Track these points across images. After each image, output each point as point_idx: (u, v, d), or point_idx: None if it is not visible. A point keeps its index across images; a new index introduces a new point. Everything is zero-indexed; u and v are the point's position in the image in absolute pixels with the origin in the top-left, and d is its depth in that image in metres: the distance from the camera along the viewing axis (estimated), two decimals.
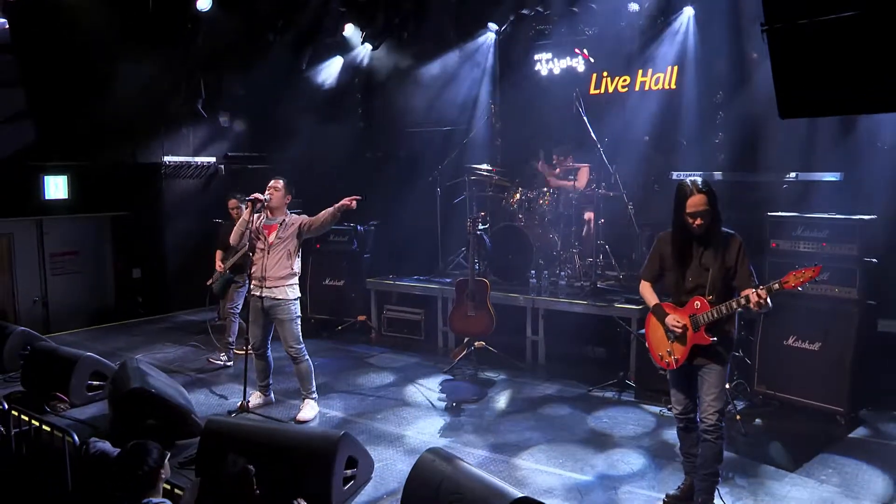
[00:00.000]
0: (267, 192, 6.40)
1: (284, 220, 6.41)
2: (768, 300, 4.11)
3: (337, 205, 6.21)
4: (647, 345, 4.83)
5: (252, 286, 6.44)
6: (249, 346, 6.55)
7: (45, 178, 9.75)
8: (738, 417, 6.00)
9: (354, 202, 6.18)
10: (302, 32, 10.41)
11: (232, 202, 8.17)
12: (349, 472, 4.99)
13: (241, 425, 5.29)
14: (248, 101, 10.90)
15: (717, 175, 8.11)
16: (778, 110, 3.28)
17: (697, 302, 4.40)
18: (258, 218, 6.40)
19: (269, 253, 6.31)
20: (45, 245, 9.95)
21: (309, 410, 6.42)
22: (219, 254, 8.25)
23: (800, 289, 4.14)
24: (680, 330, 4.43)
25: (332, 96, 11.31)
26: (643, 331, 4.75)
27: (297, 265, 6.44)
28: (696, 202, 4.29)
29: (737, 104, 8.41)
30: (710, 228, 4.37)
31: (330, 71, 11.30)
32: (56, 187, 9.89)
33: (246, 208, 6.35)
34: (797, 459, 5.44)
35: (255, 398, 6.63)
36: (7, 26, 8.04)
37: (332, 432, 4.97)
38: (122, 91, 9.55)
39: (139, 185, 10.64)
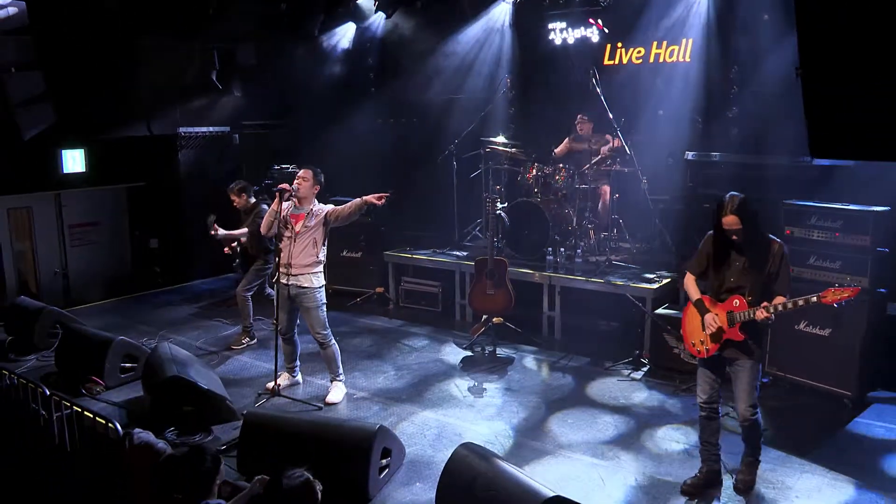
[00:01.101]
0: (295, 183, 6.50)
1: (312, 209, 6.53)
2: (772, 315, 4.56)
3: (364, 198, 6.33)
4: (681, 332, 5.17)
5: (279, 273, 6.60)
6: (277, 331, 6.77)
7: (63, 152, 9.82)
8: None
9: (383, 199, 6.30)
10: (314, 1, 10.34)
11: (232, 196, 8.20)
12: (384, 461, 5.26)
13: (280, 418, 5.52)
14: (261, 70, 10.85)
15: (730, 157, 8.16)
16: (809, 150, 3.40)
17: (737, 300, 4.73)
18: (286, 207, 6.51)
19: (295, 241, 6.45)
20: (63, 217, 10.11)
21: (337, 393, 6.67)
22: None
23: (836, 305, 4.53)
24: (715, 329, 4.77)
25: (344, 63, 11.30)
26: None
27: (322, 253, 6.57)
28: (728, 222, 4.64)
29: (752, 81, 8.44)
30: (748, 237, 4.67)
31: (342, 37, 11.26)
32: (74, 161, 9.99)
33: (277, 197, 6.43)
34: (807, 445, 5.69)
35: (282, 379, 6.86)
36: (24, 7, 7.99)
37: (368, 426, 5.21)
38: (137, 64, 9.59)
39: (155, 157, 10.73)
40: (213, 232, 7.95)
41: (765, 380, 6.30)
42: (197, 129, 10.87)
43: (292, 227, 6.50)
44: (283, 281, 6.52)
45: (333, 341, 6.70)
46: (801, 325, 6.53)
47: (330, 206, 6.61)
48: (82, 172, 10.14)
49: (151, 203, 10.89)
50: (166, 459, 4.89)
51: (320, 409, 6.44)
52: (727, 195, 4.70)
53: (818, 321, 6.43)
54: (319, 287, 6.56)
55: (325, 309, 6.62)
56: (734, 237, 4.68)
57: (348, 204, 6.48)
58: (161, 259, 11.05)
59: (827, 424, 6.06)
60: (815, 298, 4.50)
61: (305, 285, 6.47)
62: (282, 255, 6.49)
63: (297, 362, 7.03)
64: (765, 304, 4.59)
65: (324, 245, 6.59)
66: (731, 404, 5.20)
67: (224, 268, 10.67)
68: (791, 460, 5.48)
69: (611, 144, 8.72)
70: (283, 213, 6.46)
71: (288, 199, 6.46)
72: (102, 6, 8.67)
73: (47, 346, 7.78)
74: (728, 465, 5.21)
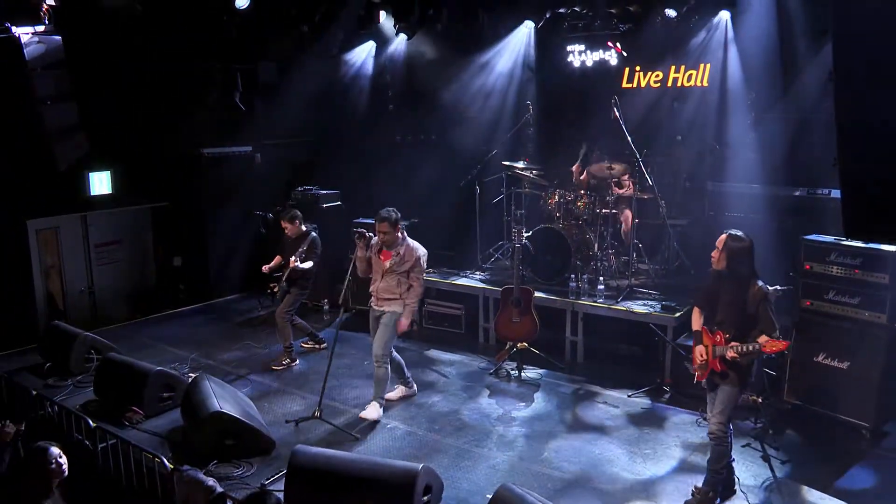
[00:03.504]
0: (377, 238, 6.95)
1: (400, 250, 6.92)
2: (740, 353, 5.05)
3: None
4: (691, 357, 5.57)
5: (371, 301, 7.11)
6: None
7: (91, 175, 10.00)
8: (770, 431, 6.47)
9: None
10: (336, 22, 10.47)
11: (285, 224, 8.42)
12: (426, 497, 5.47)
13: (326, 456, 5.72)
14: (282, 90, 11.02)
15: (751, 187, 8.34)
16: (843, 230, 3.58)
17: (719, 336, 5.21)
18: (372, 246, 7.00)
19: (382, 277, 6.95)
20: (89, 237, 10.29)
21: (373, 411, 7.00)
22: (278, 259, 8.52)
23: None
24: (701, 360, 5.29)
25: (365, 83, 11.46)
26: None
27: (404, 288, 7.00)
28: (714, 258, 5.28)
29: (770, 107, 8.62)
30: (732, 274, 5.18)
31: (363, 58, 11.42)
32: (101, 183, 10.17)
33: (358, 243, 6.96)
34: (826, 475, 5.90)
35: (398, 392, 7.44)
36: (59, 40, 8.18)
37: (412, 466, 5.40)
38: (161, 86, 9.74)
39: (179, 177, 10.91)
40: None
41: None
42: (220, 150, 11.02)
43: (381, 263, 6.94)
44: (373, 305, 7.08)
45: (388, 366, 7.06)
46: (820, 358, 6.73)
47: (421, 262, 7.00)
48: (109, 194, 10.33)
49: (175, 222, 11.07)
50: (217, 498, 5.13)
51: (357, 439, 6.65)
52: (727, 232, 5.23)
53: (837, 354, 6.63)
54: (398, 313, 6.98)
55: (395, 334, 7.03)
56: (721, 274, 5.20)
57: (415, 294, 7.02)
58: (184, 277, 11.24)
59: (845, 455, 6.26)
60: (758, 346, 4.96)
61: (388, 309, 6.99)
62: (371, 285, 7.06)
63: (408, 373, 7.51)
64: (733, 344, 5.07)
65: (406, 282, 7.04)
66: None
67: (245, 286, 10.92)
68: (811, 491, 5.68)
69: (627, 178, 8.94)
70: (370, 253, 7.00)
71: (368, 247, 6.97)
72: (126, 26, 8.82)
73: (83, 371, 8.01)
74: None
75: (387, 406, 7.24)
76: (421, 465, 5.36)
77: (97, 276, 10.43)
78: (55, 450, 4.63)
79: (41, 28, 7.88)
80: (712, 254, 5.31)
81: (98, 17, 8.90)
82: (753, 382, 5.40)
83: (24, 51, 7.85)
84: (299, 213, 8.52)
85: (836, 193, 7.62)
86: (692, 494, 5.48)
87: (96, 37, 9.05)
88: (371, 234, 7.02)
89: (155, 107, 9.82)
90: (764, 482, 5.82)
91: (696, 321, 5.48)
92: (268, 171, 11.43)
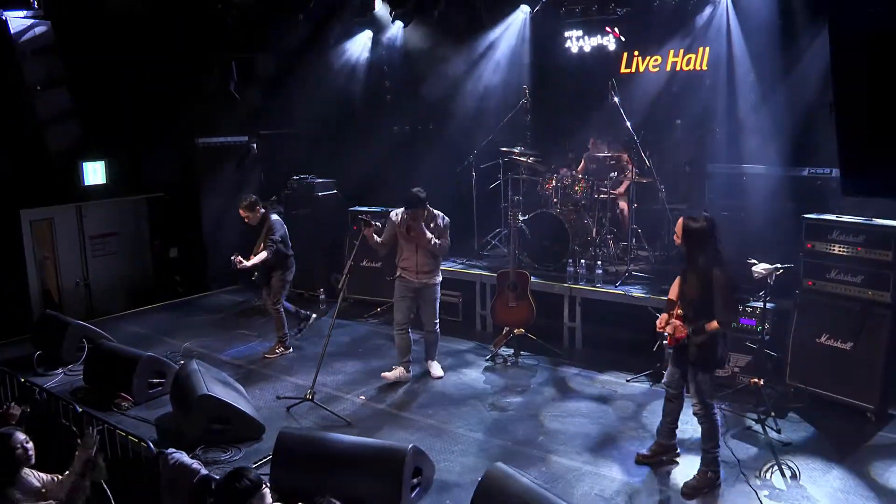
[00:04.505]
0: (412, 233, 7.17)
1: (437, 222, 7.23)
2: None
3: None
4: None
5: (400, 272, 7.34)
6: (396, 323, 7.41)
7: (84, 165, 9.92)
8: (772, 414, 6.32)
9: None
10: (331, 10, 10.39)
11: (243, 213, 8.13)
12: (415, 480, 5.34)
13: (313, 437, 5.60)
14: (278, 79, 10.93)
15: (753, 168, 8.19)
16: (840, 188, 3.43)
17: (677, 311, 5.29)
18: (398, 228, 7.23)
19: (417, 252, 7.21)
20: (84, 228, 10.20)
21: (438, 368, 7.66)
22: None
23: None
24: (661, 329, 5.36)
25: (362, 71, 11.36)
26: None
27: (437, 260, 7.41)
28: (676, 229, 5.31)
29: (770, 90, 8.47)
30: (690, 256, 5.22)
31: (360, 46, 11.32)
32: (95, 173, 10.09)
33: (366, 232, 7.12)
34: (830, 458, 5.73)
35: (396, 372, 7.44)
36: (49, 24, 8.09)
37: (400, 446, 5.28)
38: (156, 75, 9.66)
39: (174, 167, 10.81)
40: (239, 266, 7.88)
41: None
42: (215, 139, 10.93)
43: (420, 239, 7.13)
44: (409, 278, 7.29)
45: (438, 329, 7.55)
46: (822, 339, 6.57)
47: (446, 219, 7.33)
48: (103, 184, 10.24)
49: (171, 213, 10.98)
50: (201, 480, 5.01)
51: (349, 424, 6.52)
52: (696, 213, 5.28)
53: (840, 335, 6.47)
54: (438, 283, 7.43)
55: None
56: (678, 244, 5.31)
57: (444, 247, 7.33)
58: (181, 268, 11.14)
59: (850, 438, 6.08)
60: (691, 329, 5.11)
61: (428, 282, 7.33)
62: (404, 261, 7.29)
63: (411, 357, 7.51)
64: (675, 322, 5.18)
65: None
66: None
67: (242, 277, 10.78)
68: (814, 474, 5.53)
69: (627, 162, 8.81)
70: (386, 237, 7.27)
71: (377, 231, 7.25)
72: (120, 15, 8.73)
73: (74, 360, 7.88)
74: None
75: (379, 389, 7.19)
76: (410, 445, 5.24)
77: (92, 268, 10.35)
78: (20, 435, 4.48)
79: (31, 13, 7.79)
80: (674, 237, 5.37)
81: (93, 4, 8.82)
82: (720, 359, 5.34)
83: (12, 34, 7.75)
84: (256, 197, 8.23)
85: (837, 173, 7.46)
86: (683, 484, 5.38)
87: (91, 25, 8.96)
88: (376, 222, 7.26)
89: (150, 96, 9.72)
90: (766, 465, 5.64)
91: (673, 290, 5.52)
92: (264, 162, 11.33)
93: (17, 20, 7.97)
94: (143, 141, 10.14)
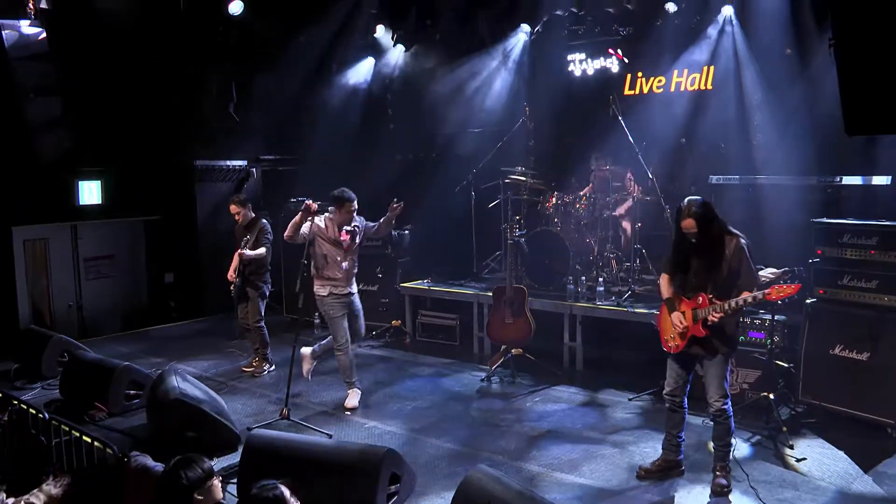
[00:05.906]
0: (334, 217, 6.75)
1: (357, 224, 6.85)
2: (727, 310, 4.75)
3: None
4: (657, 328, 5.30)
5: (331, 287, 6.72)
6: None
7: (80, 183, 9.82)
8: (784, 429, 5.89)
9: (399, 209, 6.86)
10: (333, 34, 10.39)
11: (234, 207, 8.09)
12: (392, 487, 4.95)
13: (284, 440, 5.25)
14: (279, 103, 10.89)
15: (759, 178, 7.91)
16: (844, 126, 3.17)
17: (700, 297, 4.89)
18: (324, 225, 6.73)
19: (347, 257, 6.76)
20: (79, 250, 10.03)
21: (354, 398, 6.92)
22: (235, 257, 8.10)
23: (780, 302, 4.94)
24: (681, 328, 4.97)
25: (362, 96, 11.29)
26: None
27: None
28: (686, 225, 4.85)
29: (776, 108, 8.25)
30: (706, 240, 4.85)
31: (361, 72, 11.28)
32: (90, 192, 9.98)
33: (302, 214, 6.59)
34: (848, 477, 5.30)
35: (355, 397, 6.94)
36: (45, 35, 8.09)
37: (375, 448, 4.93)
38: (154, 95, 9.63)
39: (171, 189, 10.71)
40: (241, 257, 7.81)
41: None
42: (213, 162, 10.83)
43: (348, 243, 6.73)
44: (345, 290, 6.74)
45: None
46: (837, 350, 6.17)
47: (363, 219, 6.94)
48: (99, 204, 10.11)
49: (168, 236, 10.80)
50: (160, 478, 4.67)
51: (330, 437, 6.15)
52: (685, 199, 4.90)
53: (855, 345, 6.06)
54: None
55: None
56: (692, 239, 4.87)
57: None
58: (176, 293, 10.91)
59: (869, 455, 5.61)
60: (760, 295, 4.67)
61: (355, 290, 6.95)
62: (334, 272, 6.66)
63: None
64: (717, 303, 4.78)
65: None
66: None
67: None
68: (831, 494, 5.08)
69: (630, 180, 8.57)
70: (331, 234, 6.68)
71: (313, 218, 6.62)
72: (119, 33, 8.74)
73: (54, 375, 7.58)
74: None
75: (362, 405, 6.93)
76: (385, 448, 4.87)
77: (86, 291, 10.14)
78: None
79: (27, 22, 7.80)
80: (682, 224, 4.85)
81: (91, 20, 8.84)
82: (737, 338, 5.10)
83: (4, 40, 7.74)
84: (248, 197, 8.29)
85: (847, 180, 7.17)
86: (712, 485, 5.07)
87: (88, 42, 8.97)
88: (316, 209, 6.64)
89: (147, 115, 9.67)
90: (777, 480, 5.23)
91: (667, 288, 5.20)
92: (263, 186, 11.20)
93: (13, 34, 7.97)
94: (139, 161, 10.05)
